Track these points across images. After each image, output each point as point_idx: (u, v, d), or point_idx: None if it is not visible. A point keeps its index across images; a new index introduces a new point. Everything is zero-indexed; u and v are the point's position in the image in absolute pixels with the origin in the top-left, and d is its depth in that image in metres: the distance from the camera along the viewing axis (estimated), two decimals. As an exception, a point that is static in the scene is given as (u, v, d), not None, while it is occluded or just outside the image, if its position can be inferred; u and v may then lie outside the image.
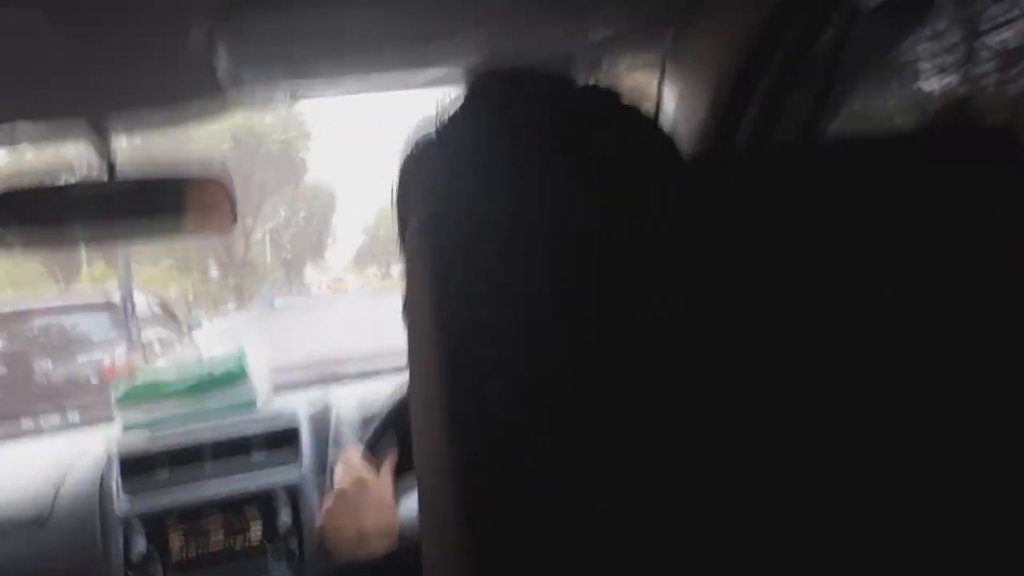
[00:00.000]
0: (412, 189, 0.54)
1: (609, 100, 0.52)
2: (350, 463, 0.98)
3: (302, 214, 34.62)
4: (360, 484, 0.93)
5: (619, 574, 0.28)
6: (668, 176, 0.34)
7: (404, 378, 1.21)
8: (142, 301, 8.20)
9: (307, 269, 39.41)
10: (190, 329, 9.01)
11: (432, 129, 0.52)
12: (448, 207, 0.32)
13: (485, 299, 0.29)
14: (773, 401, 0.29)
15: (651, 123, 0.53)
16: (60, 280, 19.79)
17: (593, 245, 0.30)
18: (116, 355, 6.89)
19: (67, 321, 7.27)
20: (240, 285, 29.04)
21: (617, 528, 0.28)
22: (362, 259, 45.22)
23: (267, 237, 33.20)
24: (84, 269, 19.20)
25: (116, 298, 7.67)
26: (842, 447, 0.29)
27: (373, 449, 1.07)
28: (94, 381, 6.84)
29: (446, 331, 0.29)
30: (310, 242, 36.06)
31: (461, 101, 0.52)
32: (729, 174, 0.33)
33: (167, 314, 8.66)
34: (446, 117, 0.52)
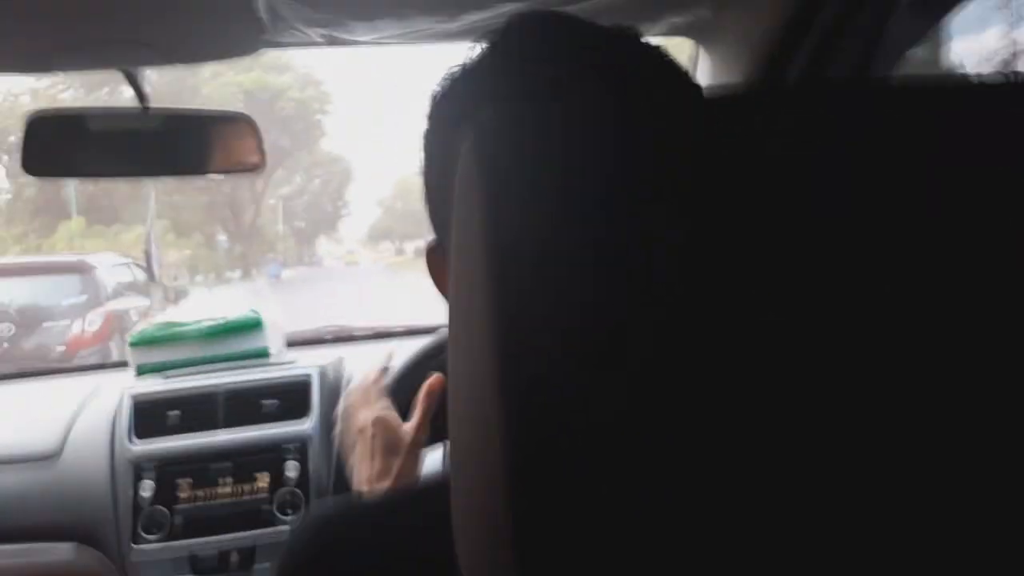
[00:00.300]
0: (440, 124, 0.56)
1: (641, 47, 0.54)
2: (370, 400, 0.98)
3: (317, 182, 34.01)
4: (382, 423, 0.94)
5: (634, 550, 0.28)
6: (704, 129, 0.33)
7: (420, 342, 1.21)
8: (121, 265, 7.68)
9: (319, 240, 39.29)
10: (176, 298, 8.68)
11: (461, 68, 0.55)
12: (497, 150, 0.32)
13: (539, 253, 0.29)
14: (811, 378, 0.29)
15: (681, 71, 0.55)
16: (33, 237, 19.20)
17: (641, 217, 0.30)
18: (86, 323, 6.54)
19: (34, 283, 6.86)
20: (246, 253, 27.78)
21: (628, 510, 0.28)
22: (376, 234, 45.14)
23: (280, 204, 32.31)
24: (62, 225, 18.63)
25: (91, 259, 7.29)
26: (875, 428, 0.29)
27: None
28: (59, 349, 6.47)
29: (500, 294, 0.29)
30: (324, 212, 35.65)
31: (492, 42, 0.54)
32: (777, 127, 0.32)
33: (151, 281, 8.33)
34: (477, 57, 0.54)
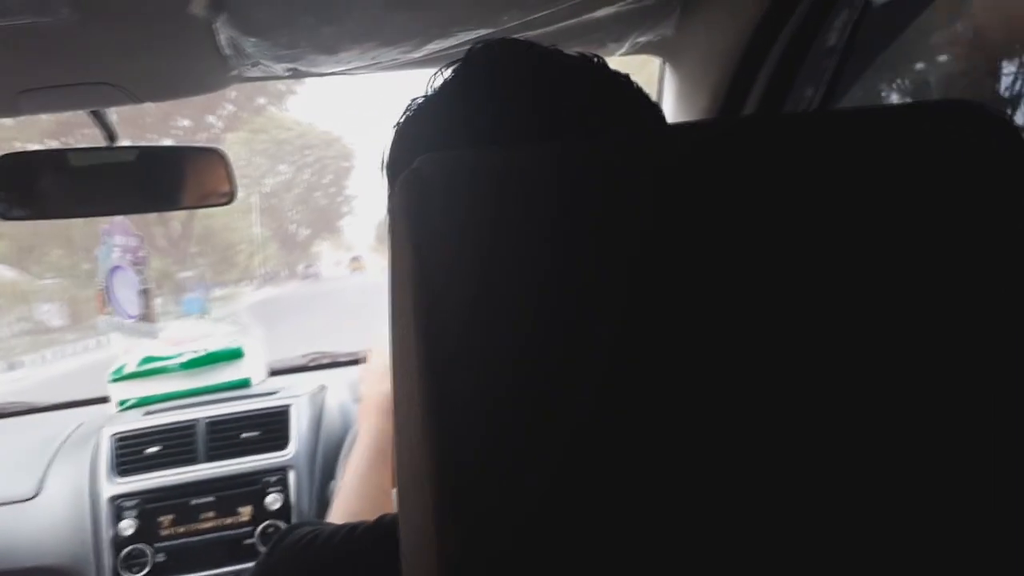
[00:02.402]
0: (398, 156, 0.62)
1: (599, 72, 0.62)
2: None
3: (308, 173, 32.41)
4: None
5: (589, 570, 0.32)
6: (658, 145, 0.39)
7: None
8: None
9: (315, 247, 37.40)
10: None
11: (421, 97, 0.62)
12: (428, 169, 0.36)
13: (466, 268, 0.34)
14: (762, 385, 0.34)
15: (642, 94, 0.63)
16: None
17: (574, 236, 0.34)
18: None
19: None
20: (169, 270, 23.11)
21: (591, 527, 0.32)
22: (384, 232, 43.90)
23: (255, 201, 28.89)
24: None
25: None
26: (840, 431, 0.34)
27: None
28: None
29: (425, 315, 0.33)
30: (319, 209, 33.89)
31: (452, 71, 0.61)
32: (719, 140, 0.38)
33: None
34: (436, 85, 0.61)
